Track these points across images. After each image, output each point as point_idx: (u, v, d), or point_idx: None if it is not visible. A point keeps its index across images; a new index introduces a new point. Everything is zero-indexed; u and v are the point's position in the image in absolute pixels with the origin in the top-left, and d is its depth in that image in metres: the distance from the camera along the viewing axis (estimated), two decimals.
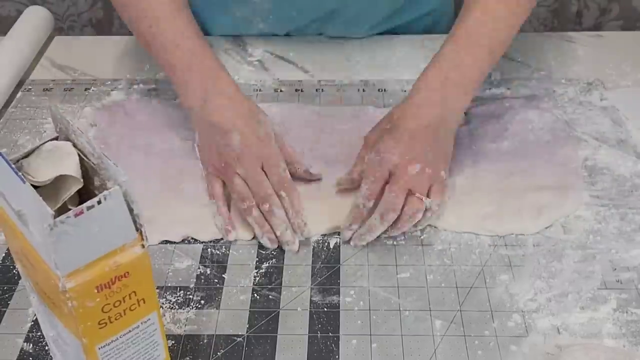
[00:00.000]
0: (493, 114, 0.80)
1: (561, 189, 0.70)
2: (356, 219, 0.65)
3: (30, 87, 0.87)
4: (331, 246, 0.66)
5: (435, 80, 0.67)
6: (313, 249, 0.65)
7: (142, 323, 0.46)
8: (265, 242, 0.65)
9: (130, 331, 0.45)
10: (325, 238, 0.66)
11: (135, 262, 0.42)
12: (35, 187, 0.40)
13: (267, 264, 0.64)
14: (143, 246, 0.43)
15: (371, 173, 0.64)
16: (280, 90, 0.86)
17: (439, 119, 0.66)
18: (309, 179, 0.71)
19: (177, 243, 0.66)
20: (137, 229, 0.42)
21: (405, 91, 0.85)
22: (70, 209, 0.38)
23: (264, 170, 0.66)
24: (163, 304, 0.60)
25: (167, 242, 0.66)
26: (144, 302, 0.45)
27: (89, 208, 0.39)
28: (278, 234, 0.64)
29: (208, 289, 0.62)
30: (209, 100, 0.68)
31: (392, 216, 0.63)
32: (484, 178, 0.72)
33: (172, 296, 0.61)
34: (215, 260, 0.64)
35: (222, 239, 0.66)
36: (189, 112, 0.71)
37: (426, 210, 0.64)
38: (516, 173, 0.72)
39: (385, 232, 0.65)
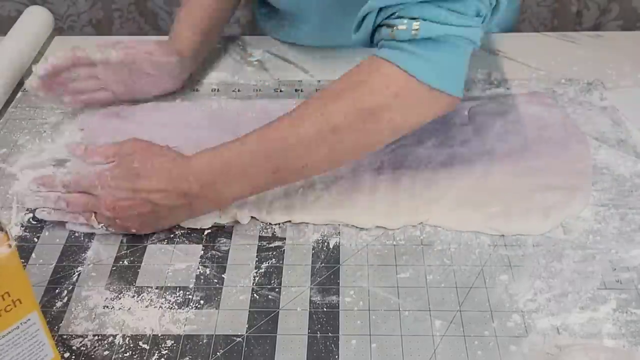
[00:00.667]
0: (498, 111, 0.80)
1: (569, 189, 0.69)
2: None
3: None
4: (331, 246, 0.66)
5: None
6: (313, 249, 0.65)
7: (21, 324, 0.46)
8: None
9: (9, 332, 0.46)
10: (325, 238, 0.66)
11: (3, 263, 0.43)
12: None
13: (267, 264, 0.64)
14: (10, 246, 0.43)
15: None
16: (280, 90, 0.86)
17: None
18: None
19: (177, 243, 0.66)
20: (1, 229, 0.43)
21: None
22: None
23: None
24: (163, 304, 0.60)
25: (167, 242, 0.66)
26: (20, 303, 0.45)
27: None
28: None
29: (207, 289, 0.62)
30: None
31: None
32: (493, 177, 0.71)
33: (171, 296, 0.61)
34: (214, 260, 0.64)
35: (222, 238, 0.66)
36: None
37: None
38: (525, 171, 0.72)
39: None
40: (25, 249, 0.65)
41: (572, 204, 0.68)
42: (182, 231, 0.67)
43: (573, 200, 0.69)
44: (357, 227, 0.67)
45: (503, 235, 0.66)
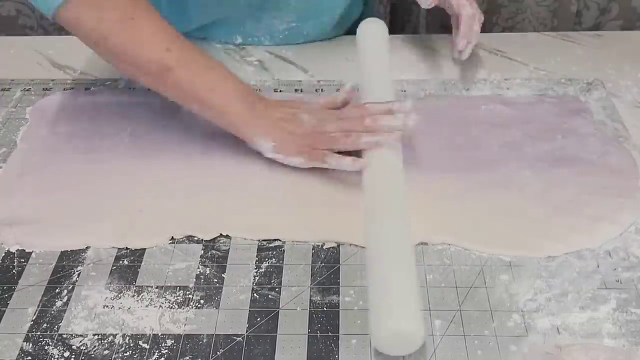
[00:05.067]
0: (529, 119, 0.79)
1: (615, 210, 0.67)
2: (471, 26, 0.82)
3: (30, 87, 0.87)
4: (331, 246, 0.66)
5: None
6: (313, 249, 0.65)
7: None
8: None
9: None
10: None
11: None
12: None
13: (267, 264, 0.64)
14: None
15: None
16: (280, 91, 0.86)
17: None
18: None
19: (177, 243, 0.66)
20: None
21: (405, 91, 0.85)
22: None
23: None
24: (163, 303, 0.60)
25: (167, 241, 0.66)
26: None
27: None
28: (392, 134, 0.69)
29: (208, 288, 0.62)
30: (254, 102, 0.73)
31: None
32: (529, 193, 0.70)
33: (172, 296, 0.61)
34: (215, 260, 0.64)
35: (222, 238, 0.66)
36: (246, 131, 0.72)
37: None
38: (566, 184, 0.70)
39: None
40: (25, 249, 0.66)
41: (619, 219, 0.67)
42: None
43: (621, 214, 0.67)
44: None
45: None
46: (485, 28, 0.95)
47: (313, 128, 0.71)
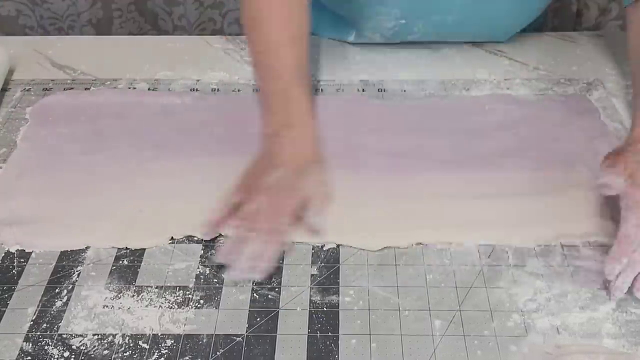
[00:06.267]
0: (533, 118, 0.79)
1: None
2: (625, 251, 0.58)
3: (30, 87, 0.87)
4: (331, 246, 0.66)
5: None
6: (313, 249, 0.65)
7: None
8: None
9: None
10: None
11: None
12: None
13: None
14: None
15: None
16: None
17: None
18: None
19: (177, 243, 0.66)
20: None
21: (405, 91, 0.85)
22: None
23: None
24: (163, 303, 0.60)
25: (167, 241, 0.66)
26: None
27: None
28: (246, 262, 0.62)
29: (208, 288, 0.62)
30: (281, 134, 0.70)
31: None
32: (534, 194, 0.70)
33: (171, 296, 0.61)
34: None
35: (222, 238, 0.66)
36: (264, 138, 0.71)
37: None
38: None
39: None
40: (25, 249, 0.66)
41: None
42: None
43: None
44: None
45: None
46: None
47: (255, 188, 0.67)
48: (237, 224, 0.65)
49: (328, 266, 0.64)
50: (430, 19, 0.86)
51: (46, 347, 0.57)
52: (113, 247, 0.66)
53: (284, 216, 0.65)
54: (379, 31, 0.89)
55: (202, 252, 0.65)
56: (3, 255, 0.65)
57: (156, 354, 0.56)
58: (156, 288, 0.62)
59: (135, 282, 0.62)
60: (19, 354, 0.56)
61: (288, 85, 0.73)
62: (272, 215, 0.65)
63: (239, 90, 0.86)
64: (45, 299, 0.61)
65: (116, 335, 0.58)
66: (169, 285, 0.62)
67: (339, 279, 0.62)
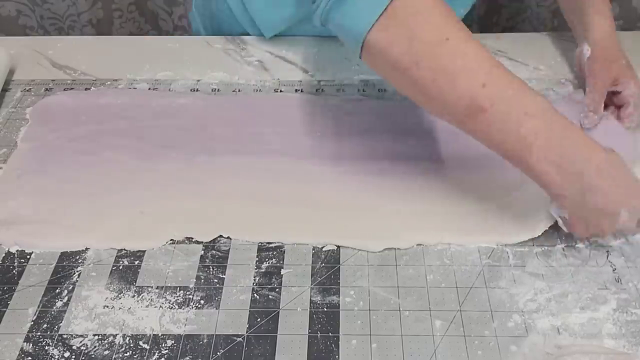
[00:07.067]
0: None
1: None
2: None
3: (30, 87, 0.87)
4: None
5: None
6: (313, 249, 0.65)
7: None
8: None
9: None
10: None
11: None
12: None
13: (267, 264, 0.64)
14: None
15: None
16: (280, 91, 0.86)
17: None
18: None
19: (177, 243, 0.66)
20: None
21: None
22: None
23: None
24: (163, 304, 0.60)
25: (167, 241, 0.66)
26: None
27: None
28: None
29: (208, 289, 0.62)
30: (588, 182, 0.58)
31: None
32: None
33: (172, 296, 0.61)
34: (215, 260, 0.64)
35: (222, 238, 0.66)
36: (543, 185, 0.60)
37: None
38: None
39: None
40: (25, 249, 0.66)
41: None
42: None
43: None
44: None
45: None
46: (486, 28, 0.95)
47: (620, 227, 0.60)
48: None
49: (328, 266, 0.64)
50: None
51: (46, 347, 0.57)
52: (113, 248, 0.65)
53: None
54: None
55: (202, 252, 0.65)
56: (3, 255, 0.65)
57: (156, 354, 0.56)
58: (156, 288, 0.62)
59: (135, 282, 0.62)
60: (19, 354, 0.56)
61: (548, 114, 0.59)
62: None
63: (239, 90, 0.86)
64: (46, 299, 0.61)
65: (116, 335, 0.58)
66: (169, 285, 0.62)
67: (339, 279, 0.62)
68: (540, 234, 0.65)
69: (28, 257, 0.65)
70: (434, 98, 0.59)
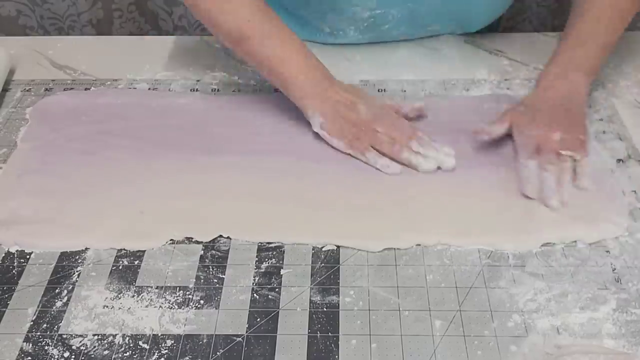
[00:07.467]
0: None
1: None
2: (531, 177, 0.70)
3: (30, 87, 0.87)
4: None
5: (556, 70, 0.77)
6: (313, 249, 0.65)
7: None
8: (426, 166, 0.72)
9: None
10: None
11: None
12: None
13: (267, 264, 0.64)
14: None
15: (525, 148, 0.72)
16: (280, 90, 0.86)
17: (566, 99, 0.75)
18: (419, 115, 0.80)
19: (177, 243, 0.66)
20: None
21: (405, 91, 0.85)
22: None
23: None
24: (162, 304, 0.60)
25: (167, 241, 0.66)
26: None
27: None
28: (431, 162, 0.72)
29: (207, 288, 0.62)
30: (319, 79, 0.77)
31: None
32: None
33: (171, 296, 0.61)
34: (214, 260, 0.64)
35: (222, 238, 0.66)
36: (304, 103, 0.76)
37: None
38: None
39: None
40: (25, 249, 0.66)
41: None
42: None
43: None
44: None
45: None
46: (486, 28, 0.95)
47: (365, 121, 0.75)
48: (393, 149, 0.73)
49: (328, 266, 0.64)
50: (405, 5, 0.87)
51: (46, 347, 0.57)
52: (112, 248, 0.65)
53: (406, 125, 0.75)
54: (353, 24, 0.89)
55: (202, 252, 0.65)
56: (3, 255, 0.65)
57: (156, 354, 0.56)
58: (156, 288, 0.62)
59: (135, 282, 0.62)
60: (19, 354, 0.56)
61: (296, 44, 0.77)
62: (403, 130, 0.74)
63: (239, 90, 0.86)
64: (45, 299, 0.61)
65: (116, 335, 0.58)
66: (168, 285, 0.62)
67: (338, 279, 0.62)
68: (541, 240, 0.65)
69: (28, 257, 0.65)
70: (214, 29, 0.78)
